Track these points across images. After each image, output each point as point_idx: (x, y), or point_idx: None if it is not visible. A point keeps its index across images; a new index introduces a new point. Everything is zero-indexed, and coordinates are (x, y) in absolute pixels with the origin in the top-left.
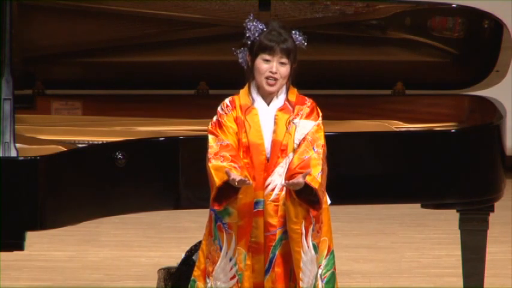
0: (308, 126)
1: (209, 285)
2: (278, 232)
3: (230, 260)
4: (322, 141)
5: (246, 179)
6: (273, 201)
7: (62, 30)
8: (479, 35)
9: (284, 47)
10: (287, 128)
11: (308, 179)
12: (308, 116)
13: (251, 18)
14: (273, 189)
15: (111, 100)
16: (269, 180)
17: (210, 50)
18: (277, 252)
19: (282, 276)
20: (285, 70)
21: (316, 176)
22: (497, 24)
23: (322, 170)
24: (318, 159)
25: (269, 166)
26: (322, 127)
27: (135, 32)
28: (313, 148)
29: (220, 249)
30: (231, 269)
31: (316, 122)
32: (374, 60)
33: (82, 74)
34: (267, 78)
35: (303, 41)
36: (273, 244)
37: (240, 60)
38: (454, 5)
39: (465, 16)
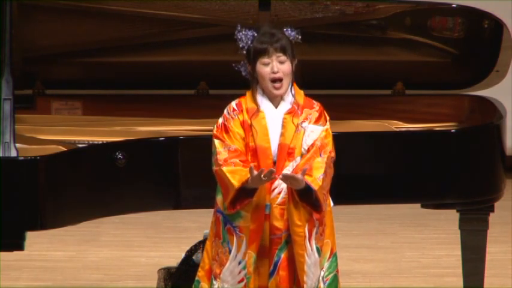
0: (317, 131)
1: (216, 286)
2: (284, 235)
3: (239, 263)
4: (330, 147)
5: (271, 169)
6: (280, 204)
7: (62, 30)
8: (479, 35)
9: (278, 45)
10: (295, 132)
11: (309, 179)
12: (317, 121)
13: (239, 28)
14: (279, 193)
15: (111, 100)
16: (276, 183)
17: (210, 50)
18: (282, 256)
19: (286, 280)
20: (286, 67)
21: (318, 178)
22: (497, 24)
23: (326, 173)
24: (322, 163)
25: (276, 169)
26: (330, 132)
27: (135, 32)
28: (320, 154)
29: (229, 251)
30: (240, 272)
31: (324, 127)
32: (374, 60)
33: (82, 74)
34: (273, 81)
35: (297, 35)
36: (279, 247)
37: (244, 74)
38: (454, 5)
39: (465, 16)
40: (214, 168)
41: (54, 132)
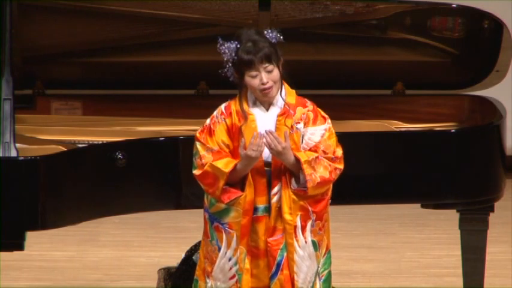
0: (317, 133)
1: (209, 285)
2: (285, 235)
3: (229, 259)
4: (333, 147)
5: (260, 132)
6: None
7: (62, 30)
8: (479, 35)
9: (261, 55)
10: (290, 133)
11: (297, 153)
12: (314, 122)
13: (220, 41)
14: (275, 194)
15: (111, 100)
16: (276, 189)
17: (210, 50)
18: (285, 255)
19: (290, 279)
20: (274, 75)
21: (308, 156)
22: (497, 24)
23: (319, 159)
24: (316, 154)
25: (274, 172)
26: (333, 131)
27: (135, 32)
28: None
29: (219, 249)
30: (231, 268)
31: (324, 126)
32: (374, 60)
33: (82, 74)
34: (261, 90)
35: (279, 36)
36: (281, 247)
37: (231, 79)
38: (454, 5)
39: (465, 16)
40: (197, 171)
41: (54, 132)
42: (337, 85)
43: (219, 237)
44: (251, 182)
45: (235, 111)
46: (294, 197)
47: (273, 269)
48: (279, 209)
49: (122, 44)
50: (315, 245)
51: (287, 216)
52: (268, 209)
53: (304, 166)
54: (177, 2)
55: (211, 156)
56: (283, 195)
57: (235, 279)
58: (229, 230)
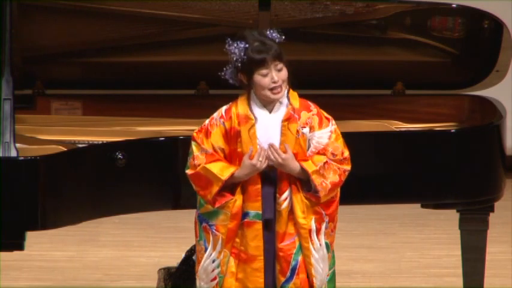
0: (325, 136)
1: (197, 284)
2: (297, 239)
3: (213, 261)
4: (341, 148)
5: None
6: (288, 211)
7: (62, 30)
8: (479, 35)
9: (273, 53)
10: (296, 137)
11: (304, 163)
12: (320, 126)
13: (230, 42)
14: (285, 199)
15: (111, 100)
16: (286, 194)
17: (210, 50)
18: (299, 259)
19: (306, 281)
20: (283, 73)
21: (316, 163)
22: (497, 24)
23: (328, 163)
24: (323, 157)
25: (281, 179)
26: (338, 131)
27: (135, 32)
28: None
29: (205, 249)
30: (213, 270)
31: (329, 128)
32: (374, 60)
33: (82, 74)
34: (272, 89)
35: (280, 35)
36: (294, 251)
37: (231, 81)
38: (454, 5)
39: (465, 16)
40: (189, 170)
41: (54, 132)
42: (337, 85)
43: (207, 238)
44: (241, 188)
45: (236, 114)
46: (307, 202)
47: (288, 274)
48: (289, 213)
49: (122, 44)
50: (328, 247)
51: (301, 220)
52: (259, 216)
53: (313, 177)
54: (177, 2)
55: (204, 158)
56: (294, 200)
57: (216, 281)
58: (216, 232)
